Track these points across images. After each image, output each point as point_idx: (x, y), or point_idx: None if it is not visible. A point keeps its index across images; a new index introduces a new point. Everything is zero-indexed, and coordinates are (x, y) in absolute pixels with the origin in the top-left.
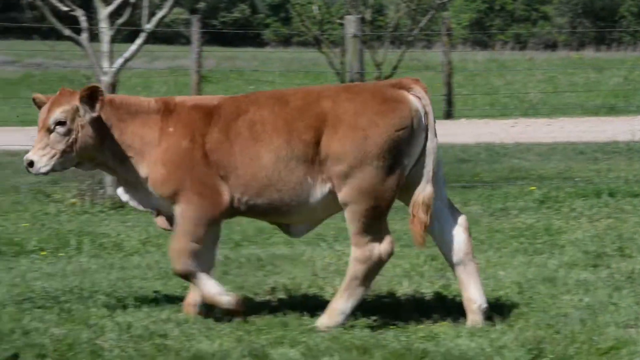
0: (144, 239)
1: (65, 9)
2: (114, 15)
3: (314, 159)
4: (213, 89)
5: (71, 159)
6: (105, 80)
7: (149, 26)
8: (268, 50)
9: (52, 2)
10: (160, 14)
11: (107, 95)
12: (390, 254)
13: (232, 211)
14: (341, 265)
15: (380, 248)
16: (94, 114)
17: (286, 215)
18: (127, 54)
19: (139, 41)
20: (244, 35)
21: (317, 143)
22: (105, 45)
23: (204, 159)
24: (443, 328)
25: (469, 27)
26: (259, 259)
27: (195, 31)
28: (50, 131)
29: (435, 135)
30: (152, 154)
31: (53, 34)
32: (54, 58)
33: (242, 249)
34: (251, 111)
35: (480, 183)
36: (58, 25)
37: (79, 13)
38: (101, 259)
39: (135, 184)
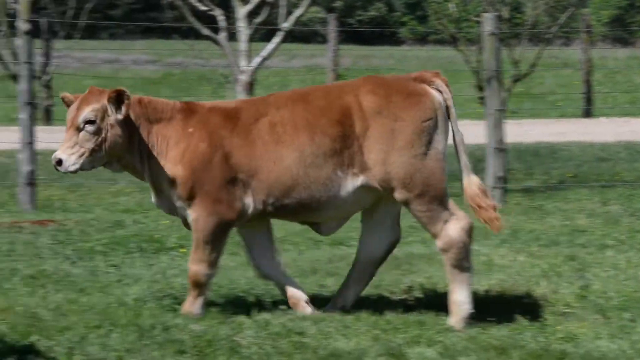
0: (281, 237)
1: (204, 8)
2: (251, 15)
3: (342, 153)
4: None
5: (100, 158)
6: (242, 79)
7: (286, 25)
8: (404, 49)
9: (191, 2)
10: (297, 12)
11: (135, 96)
12: (471, 229)
13: (259, 213)
14: (477, 265)
15: (458, 227)
16: (120, 116)
17: (317, 212)
18: (264, 53)
19: (276, 40)
20: (380, 33)
21: (344, 137)
22: (242, 44)
23: (222, 162)
24: (583, 329)
25: (609, 23)
26: (396, 258)
27: (331, 30)
28: (79, 130)
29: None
30: (172, 154)
31: (192, 34)
32: (193, 57)
33: None
34: (270, 113)
35: (621, 182)
36: (197, 25)
37: (218, 12)
38: (239, 256)
39: (161, 188)
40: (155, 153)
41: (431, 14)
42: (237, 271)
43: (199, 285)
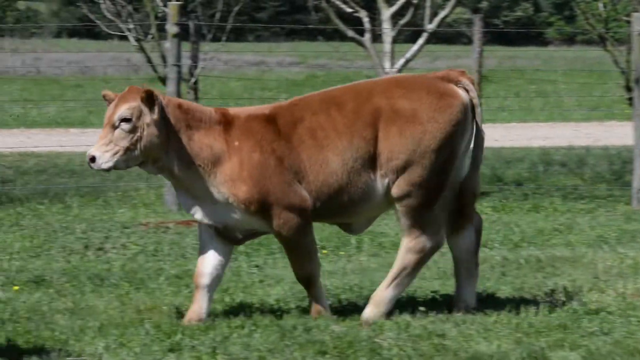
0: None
1: (350, 10)
2: (396, 16)
3: (374, 156)
4: (494, 89)
5: (135, 157)
6: None
7: (430, 26)
8: (551, 49)
9: (336, 4)
10: (442, 14)
11: (175, 99)
12: (441, 246)
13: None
14: (624, 268)
15: (433, 239)
16: (154, 117)
17: (352, 215)
18: (408, 54)
19: (420, 41)
20: (525, 34)
21: (375, 139)
22: (387, 45)
23: (278, 166)
24: None
25: None
26: (539, 260)
27: (477, 31)
28: (115, 127)
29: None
30: (224, 169)
31: (337, 35)
32: (338, 59)
33: (521, 250)
34: (307, 118)
35: None
36: (342, 27)
37: (363, 14)
38: (380, 257)
39: (200, 196)
40: (198, 162)
41: (579, 14)
42: (378, 273)
43: (315, 284)
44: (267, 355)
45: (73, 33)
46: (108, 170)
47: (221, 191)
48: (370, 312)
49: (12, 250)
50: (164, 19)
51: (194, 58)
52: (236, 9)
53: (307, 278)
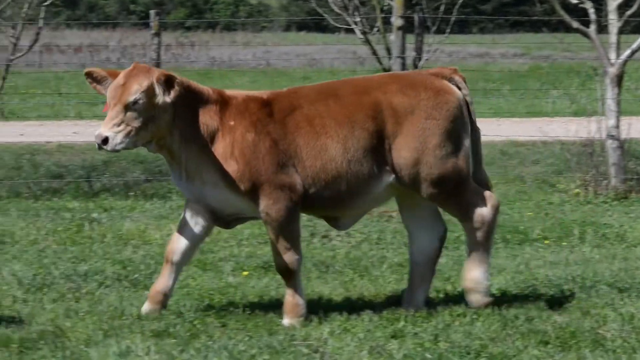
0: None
1: (575, 1)
2: (623, 7)
3: (378, 149)
4: None
5: (144, 137)
6: (611, 71)
7: None
8: None
9: None
10: None
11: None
12: (498, 207)
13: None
14: None
15: (487, 208)
16: (168, 99)
17: (345, 208)
18: (634, 45)
19: None
20: None
21: (378, 133)
22: (613, 36)
23: (273, 148)
24: None
25: None
26: None
27: None
28: (127, 108)
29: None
30: (217, 147)
31: (562, 27)
32: (562, 50)
33: None
34: (305, 106)
35: None
36: (567, 18)
37: (588, 5)
38: (604, 249)
39: (193, 175)
40: (197, 141)
41: None
42: (601, 264)
43: (294, 274)
44: (489, 344)
45: (302, 26)
46: (119, 151)
47: (212, 170)
48: (474, 299)
49: (242, 237)
50: (389, 11)
51: (418, 50)
52: (460, 1)
53: (287, 267)
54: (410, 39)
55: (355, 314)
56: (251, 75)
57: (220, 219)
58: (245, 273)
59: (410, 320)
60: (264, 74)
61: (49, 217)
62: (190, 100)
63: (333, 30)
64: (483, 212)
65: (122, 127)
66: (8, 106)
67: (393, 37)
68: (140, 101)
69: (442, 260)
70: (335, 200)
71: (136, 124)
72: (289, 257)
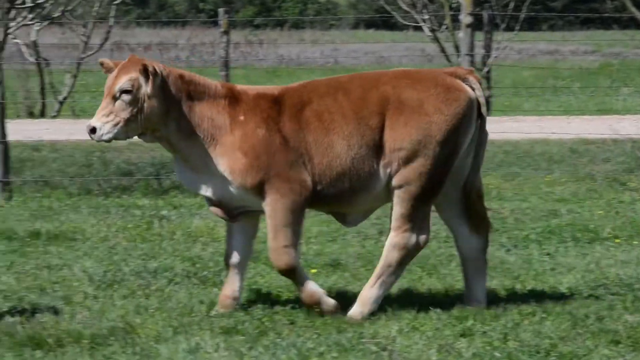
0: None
1: None
2: None
3: (379, 144)
4: None
5: (134, 128)
6: None
7: None
8: None
9: None
10: None
11: (177, 70)
12: (426, 243)
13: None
14: None
15: (419, 236)
16: (148, 90)
17: (350, 204)
18: None
19: None
20: None
21: (381, 128)
22: None
23: (284, 144)
24: None
25: None
26: None
27: None
28: (115, 98)
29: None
30: (225, 141)
31: (632, 24)
32: (633, 47)
33: None
34: (315, 101)
35: None
36: (638, 15)
37: None
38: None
39: (197, 167)
40: (199, 133)
41: None
42: None
43: (296, 273)
44: (559, 343)
45: (370, 24)
46: (109, 141)
47: (219, 163)
48: (355, 311)
49: (310, 234)
50: (458, 9)
51: (487, 47)
52: None
53: (291, 267)
54: (479, 36)
55: (424, 312)
56: (319, 73)
57: (227, 210)
58: (313, 270)
59: (479, 318)
60: (332, 72)
61: (119, 214)
62: (191, 92)
63: (401, 27)
64: (413, 237)
65: (110, 117)
66: (79, 104)
67: (461, 35)
68: (127, 92)
69: (511, 258)
70: (338, 196)
71: (124, 115)
72: (289, 257)
